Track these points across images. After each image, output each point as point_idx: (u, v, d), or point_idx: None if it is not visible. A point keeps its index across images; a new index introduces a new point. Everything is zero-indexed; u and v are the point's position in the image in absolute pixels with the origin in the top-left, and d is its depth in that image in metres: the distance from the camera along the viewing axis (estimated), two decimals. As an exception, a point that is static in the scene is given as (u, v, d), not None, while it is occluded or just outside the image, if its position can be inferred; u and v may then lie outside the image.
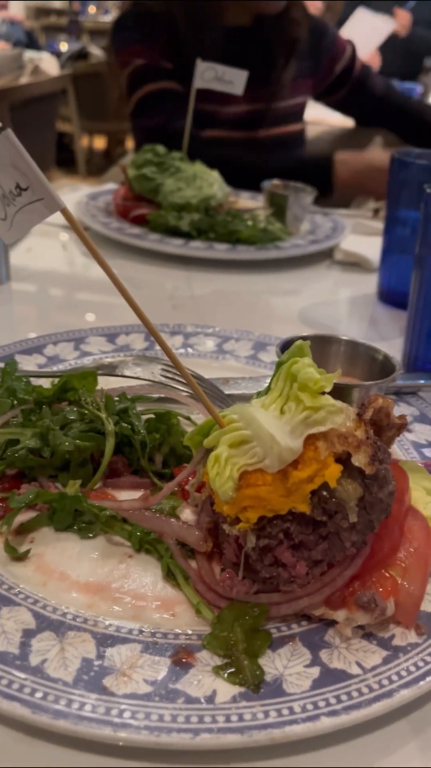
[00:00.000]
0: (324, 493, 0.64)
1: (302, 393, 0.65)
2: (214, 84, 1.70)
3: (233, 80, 1.69)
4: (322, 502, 0.64)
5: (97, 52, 7.68)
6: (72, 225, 0.60)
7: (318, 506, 0.64)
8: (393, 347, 1.25)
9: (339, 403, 0.66)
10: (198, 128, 2.06)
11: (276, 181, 1.95)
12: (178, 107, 2.12)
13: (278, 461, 0.63)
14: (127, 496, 0.81)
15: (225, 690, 0.59)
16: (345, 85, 2.67)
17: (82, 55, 7.75)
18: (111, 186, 2.12)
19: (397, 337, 1.37)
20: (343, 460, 0.64)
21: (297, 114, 2.66)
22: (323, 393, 0.66)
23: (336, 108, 2.87)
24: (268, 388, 0.70)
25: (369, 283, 1.65)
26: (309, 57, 2.52)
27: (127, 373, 1.00)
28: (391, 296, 1.56)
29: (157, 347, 1.15)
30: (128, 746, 0.56)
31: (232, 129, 2.41)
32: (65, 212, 0.58)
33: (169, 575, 0.72)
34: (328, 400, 0.65)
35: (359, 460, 0.63)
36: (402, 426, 0.78)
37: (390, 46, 5.17)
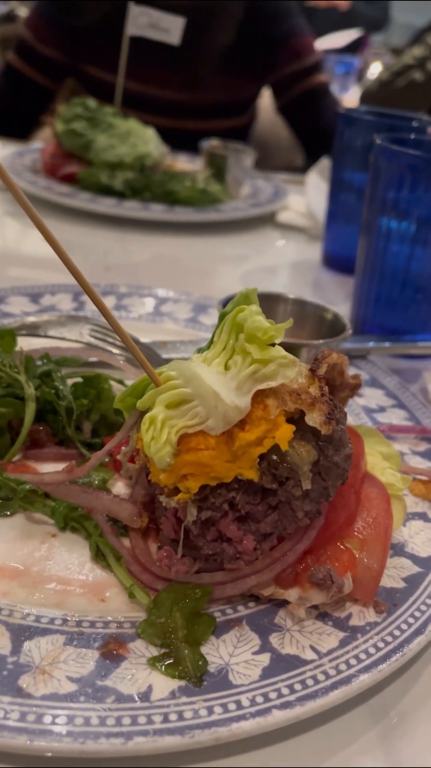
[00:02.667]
0: (275, 457, 0.57)
1: (249, 345, 0.57)
2: (148, 31, 1.58)
3: (169, 27, 1.57)
4: (272, 467, 0.57)
5: (25, 15, 7.34)
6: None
7: (268, 472, 0.57)
8: (340, 312, 1.19)
9: (290, 356, 0.58)
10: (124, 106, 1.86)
11: (215, 141, 1.86)
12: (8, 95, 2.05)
13: (222, 421, 0.55)
14: (51, 469, 0.71)
15: (163, 685, 0.52)
16: (290, 90, 2.32)
17: (9, 17, 7.37)
18: (38, 145, 1.97)
19: (343, 302, 1.31)
20: (295, 419, 0.57)
21: (238, 107, 2.35)
22: (273, 345, 0.58)
23: (281, 112, 2.45)
24: (211, 342, 0.62)
25: (313, 249, 1.59)
26: (258, 42, 2.21)
27: (51, 333, 0.90)
28: (336, 261, 1.50)
29: (88, 308, 1.05)
30: (51, 756, 0.48)
31: (157, 114, 2.16)
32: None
33: (99, 556, 0.64)
34: (279, 351, 0.57)
35: (313, 419, 0.56)
36: (356, 386, 0.71)
37: (330, 20, 5.13)
